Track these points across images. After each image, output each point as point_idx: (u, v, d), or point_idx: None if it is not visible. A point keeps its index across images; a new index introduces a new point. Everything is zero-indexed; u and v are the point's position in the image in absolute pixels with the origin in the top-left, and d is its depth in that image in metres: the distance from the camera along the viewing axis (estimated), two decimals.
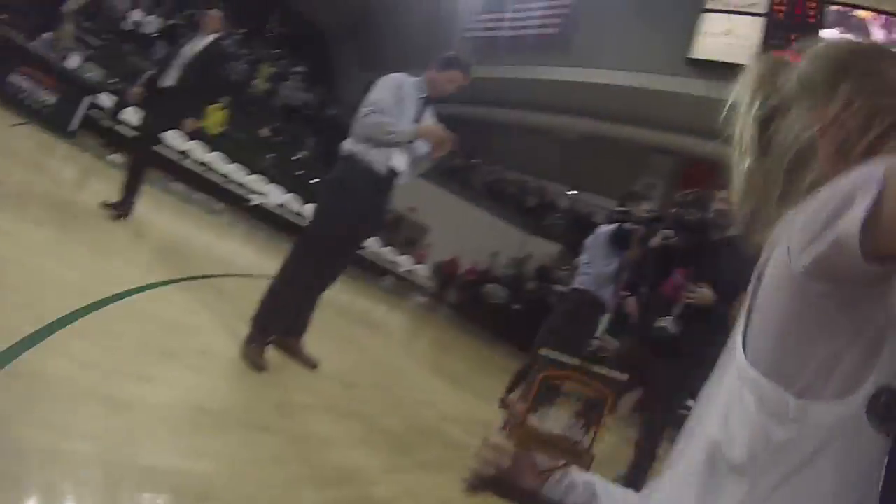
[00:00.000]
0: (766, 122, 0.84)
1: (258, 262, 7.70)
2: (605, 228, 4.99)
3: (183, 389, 2.76)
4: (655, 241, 4.16)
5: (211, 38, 5.56)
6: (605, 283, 4.88)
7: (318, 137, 16.40)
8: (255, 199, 11.37)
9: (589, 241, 5.11)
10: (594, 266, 4.91)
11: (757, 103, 0.86)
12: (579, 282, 5.01)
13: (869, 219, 0.55)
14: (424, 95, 3.83)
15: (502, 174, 20.49)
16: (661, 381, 3.95)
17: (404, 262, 13.80)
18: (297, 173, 13.92)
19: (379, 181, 3.73)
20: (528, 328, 7.26)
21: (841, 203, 0.58)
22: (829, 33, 13.49)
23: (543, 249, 17.43)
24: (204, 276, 4.90)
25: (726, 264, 3.70)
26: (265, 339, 3.61)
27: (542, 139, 19.32)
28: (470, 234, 15.43)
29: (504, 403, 5.93)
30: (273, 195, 11.97)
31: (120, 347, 2.80)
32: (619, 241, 4.81)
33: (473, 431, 4.74)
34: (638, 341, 4.20)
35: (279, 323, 3.74)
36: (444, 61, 3.91)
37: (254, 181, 11.93)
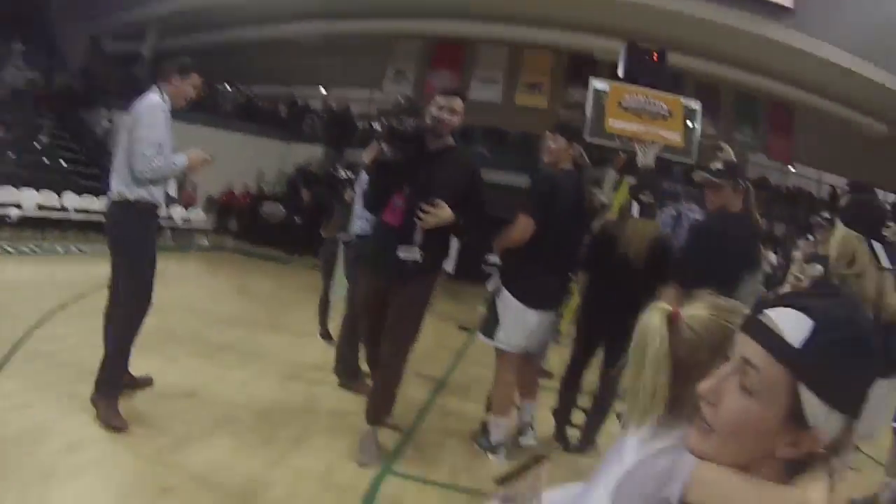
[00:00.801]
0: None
1: (42, 283, 7.10)
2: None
3: None
4: (368, 156, 3.88)
5: None
6: None
7: (54, 115, 14.48)
8: (13, 214, 10.15)
9: (357, 189, 5.37)
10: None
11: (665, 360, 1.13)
12: (359, 228, 5.24)
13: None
14: (170, 109, 3.87)
15: (249, 92, 19.75)
16: (405, 299, 3.87)
17: (175, 213, 12.89)
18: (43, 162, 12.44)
19: (159, 209, 3.92)
20: (313, 238, 7.57)
21: (662, 481, 0.99)
22: None
23: (307, 153, 17.32)
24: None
25: (443, 173, 3.78)
26: (117, 394, 3.67)
27: (283, 47, 18.81)
28: (232, 160, 14.90)
29: (323, 335, 6.53)
30: (28, 198, 10.65)
31: None
32: None
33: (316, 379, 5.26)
34: (374, 272, 3.96)
35: (124, 371, 3.81)
36: (181, 68, 3.91)
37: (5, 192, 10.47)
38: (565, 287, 4.75)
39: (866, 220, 2.85)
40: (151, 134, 3.61)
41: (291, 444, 3.92)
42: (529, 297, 4.19)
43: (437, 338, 7.78)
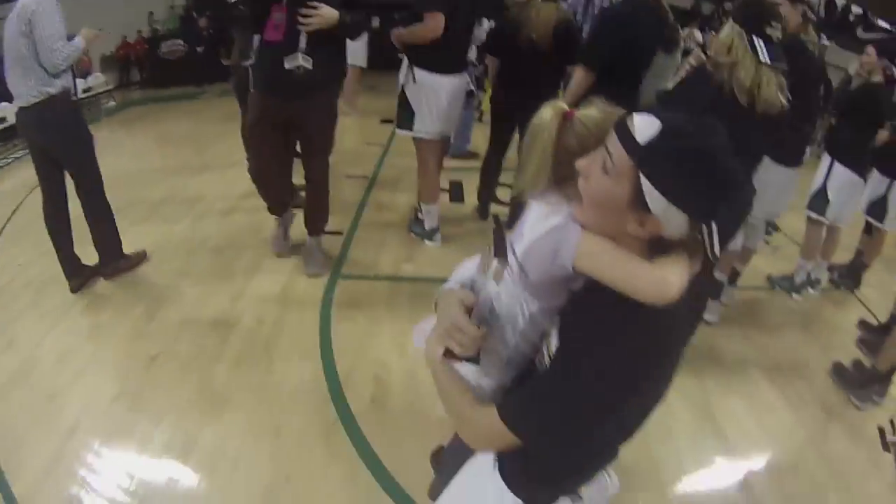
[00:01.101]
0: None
1: None
2: None
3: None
4: None
5: None
6: None
7: None
8: None
9: None
10: None
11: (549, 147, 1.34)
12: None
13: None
14: None
15: None
16: (312, 116, 3.93)
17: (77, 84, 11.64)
18: None
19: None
20: (218, 64, 7.25)
21: (557, 251, 1.25)
22: None
23: None
24: None
25: None
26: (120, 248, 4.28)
27: None
28: (118, 10, 13.47)
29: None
30: None
31: None
32: None
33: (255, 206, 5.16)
34: (266, 95, 3.91)
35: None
36: None
37: None
38: (467, 54, 4.89)
39: (749, 17, 2.98)
40: (53, 29, 3.60)
41: (248, 275, 4.30)
42: (437, 64, 4.37)
43: (361, 135, 7.99)
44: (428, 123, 4.49)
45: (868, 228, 5.15)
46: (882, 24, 22.40)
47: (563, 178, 1.34)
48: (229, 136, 6.79)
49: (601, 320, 1.24)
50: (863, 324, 4.65)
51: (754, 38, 2.92)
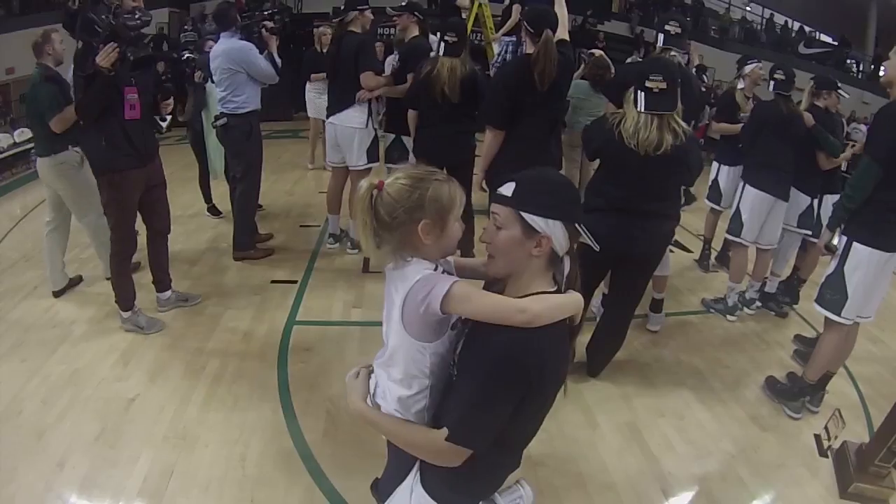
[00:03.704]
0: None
1: None
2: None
3: None
4: (105, 60, 3.60)
5: None
6: None
7: None
8: None
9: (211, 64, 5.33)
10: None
11: (367, 219, 1.52)
12: (245, 103, 5.34)
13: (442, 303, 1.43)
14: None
15: None
16: (161, 174, 4.54)
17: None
18: None
19: None
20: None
21: (429, 299, 1.44)
22: None
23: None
24: None
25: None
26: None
27: None
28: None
29: (211, 210, 6.70)
30: None
31: None
32: None
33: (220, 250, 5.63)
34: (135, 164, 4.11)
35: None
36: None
37: None
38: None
39: (634, 75, 3.41)
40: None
41: (212, 322, 4.57)
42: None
43: (317, 184, 8.15)
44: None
45: (803, 245, 5.31)
46: (824, 38, 22.89)
47: (381, 243, 1.53)
48: (190, 184, 6.93)
49: (485, 333, 1.47)
50: (798, 337, 4.80)
51: (637, 91, 3.34)
